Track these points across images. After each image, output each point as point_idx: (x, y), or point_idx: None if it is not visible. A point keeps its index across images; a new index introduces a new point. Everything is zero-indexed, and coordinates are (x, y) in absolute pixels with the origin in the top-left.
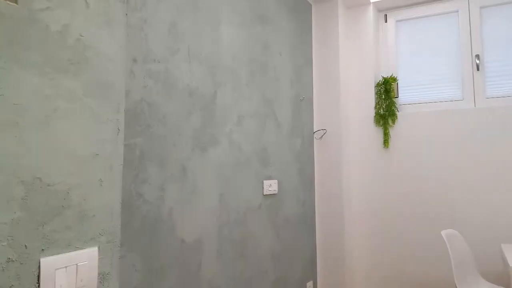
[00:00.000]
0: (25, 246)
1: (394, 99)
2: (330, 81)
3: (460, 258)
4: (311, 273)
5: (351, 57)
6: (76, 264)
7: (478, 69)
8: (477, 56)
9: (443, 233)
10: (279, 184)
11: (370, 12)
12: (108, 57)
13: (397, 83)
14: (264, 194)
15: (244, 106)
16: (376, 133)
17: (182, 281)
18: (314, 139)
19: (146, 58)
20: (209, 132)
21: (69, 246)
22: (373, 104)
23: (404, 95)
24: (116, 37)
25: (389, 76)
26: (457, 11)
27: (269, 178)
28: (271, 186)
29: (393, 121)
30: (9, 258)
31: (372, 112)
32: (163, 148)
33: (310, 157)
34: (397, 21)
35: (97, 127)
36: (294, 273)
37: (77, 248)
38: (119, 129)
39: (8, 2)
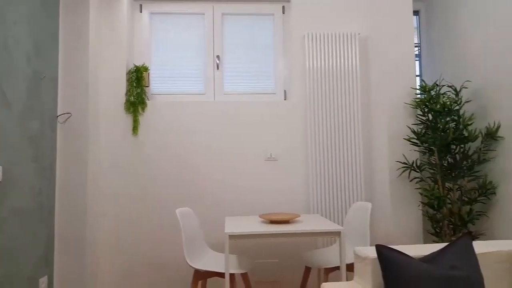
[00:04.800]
0: None
1: (145, 88)
2: (79, 62)
3: (191, 233)
4: (45, 267)
5: (104, 40)
6: None
7: (218, 68)
8: (218, 57)
9: (177, 211)
10: (4, 171)
11: None
12: None
13: (149, 73)
14: None
15: None
16: (126, 120)
17: None
18: (58, 123)
19: None
20: None
21: None
22: (124, 90)
23: (156, 85)
24: None
25: (141, 65)
26: (204, 14)
27: None
28: None
29: (143, 109)
30: None
31: (122, 99)
32: None
33: (51, 142)
34: (151, 13)
35: None
36: (21, 269)
37: None
38: None
39: None
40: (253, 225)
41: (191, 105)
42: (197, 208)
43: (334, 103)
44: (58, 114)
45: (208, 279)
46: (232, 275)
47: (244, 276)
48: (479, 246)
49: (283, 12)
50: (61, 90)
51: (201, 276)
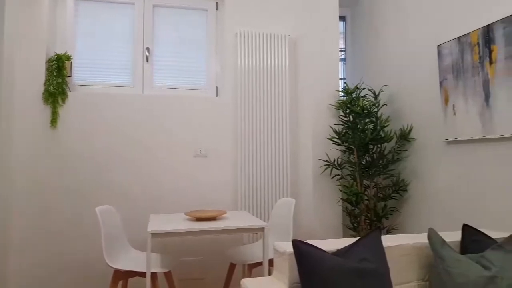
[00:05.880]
0: None
1: (66, 78)
2: None
3: (112, 232)
4: None
5: (21, 25)
6: None
7: (147, 61)
8: (148, 49)
9: (97, 209)
10: None
11: None
12: None
13: (71, 62)
14: None
15: None
16: (44, 111)
17: None
18: None
19: None
20: None
21: None
22: (42, 80)
23: (79, 75)
24: None
25: (63, 54)
26: (134, 4)
27: None
28: None
29: (63, 100)
30: None
31: (41, 89)
32: None
33: None
34: None
35: None
36: None
37: None
38: None
39: None
40: (178, 223)
41: (118, 97)
42: (122, 205)
43: (264, 101)
44: None
45: (130, 279)
46: (154, 274)
47: (167, 274)
48: (387, 240)
49: (217, 9)
50: None
51: (122, 276)
